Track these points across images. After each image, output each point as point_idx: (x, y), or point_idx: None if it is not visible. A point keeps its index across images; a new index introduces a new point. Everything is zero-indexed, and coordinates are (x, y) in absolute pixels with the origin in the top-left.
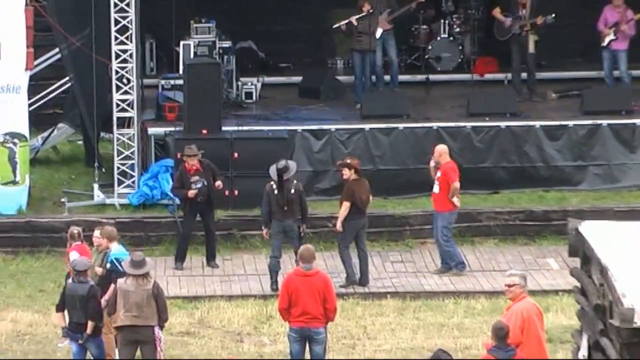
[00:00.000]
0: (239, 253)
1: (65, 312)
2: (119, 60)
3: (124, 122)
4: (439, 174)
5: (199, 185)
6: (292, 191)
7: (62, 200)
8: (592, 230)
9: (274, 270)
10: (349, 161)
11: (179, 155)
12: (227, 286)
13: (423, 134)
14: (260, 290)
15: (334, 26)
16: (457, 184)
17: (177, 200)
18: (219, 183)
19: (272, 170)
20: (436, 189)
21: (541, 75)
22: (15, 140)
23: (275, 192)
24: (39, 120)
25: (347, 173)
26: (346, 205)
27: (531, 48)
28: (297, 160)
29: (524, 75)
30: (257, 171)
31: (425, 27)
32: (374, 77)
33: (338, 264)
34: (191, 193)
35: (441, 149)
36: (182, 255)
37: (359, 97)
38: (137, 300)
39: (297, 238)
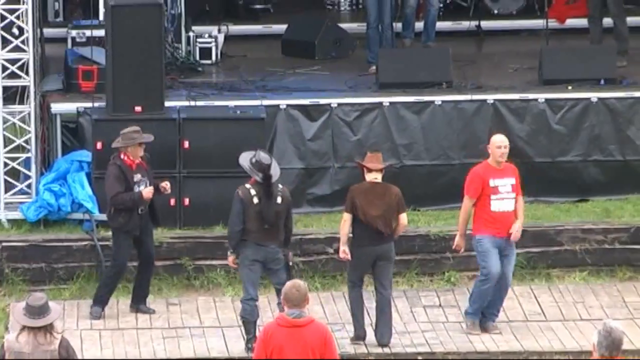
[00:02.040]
0: (192, 294)
1: None
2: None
3: (14, 95)
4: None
5: (142, 188)
6: (279, 200)
7: None
8: None
9: (249, 320)
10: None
11: (99, 146)
12: (173, 345)
13: (473, 112)
14: (224, 351)
15: None
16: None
17: (98, 213)
18: (166, 184)
19: (245, 162)
20: (510, 204)
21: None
22: None
23: (255, 200)
24: None
25: (379, 178)
26: (344, 218)
27: None
28: (281, 151)
29: (608, 21)
30: (219, 170)
31: None
32: (398, 25)
33: (343, 309)
34: (147, 192)
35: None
36: (106, 297)
37: (374, 56)
38: None
39: (282, 271)
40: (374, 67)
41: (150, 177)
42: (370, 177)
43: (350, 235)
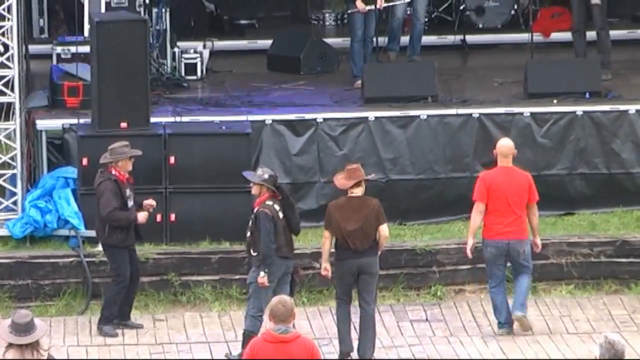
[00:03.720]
0: (178, 309)
1: None
2: None
3: (0, 111)
4: None
5: (131, 204)
6: (281, 215)
7: None
8: None
9: (255, 332)
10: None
11: (85, 162)
12: None
13: (459, 126)
14: None
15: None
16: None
17: (84, 229)
18: (150, 202)
19: (255, 176)
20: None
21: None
22: None
23: (281, 215)
24: None
25: (359, 191)
26: (324, 236)
27: None
28: (267, 166)
29: (592, 35)
30: (205, 185)
31: None
32: (383, 39)
33: (330, 324)
34: (142, 216)
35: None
36: (115, 314)
37: (359, 69)
38: None
39: (287, 285)
40: (359, 81)
41: (134, 193)
42: (348, 191)
43: (333, 250)
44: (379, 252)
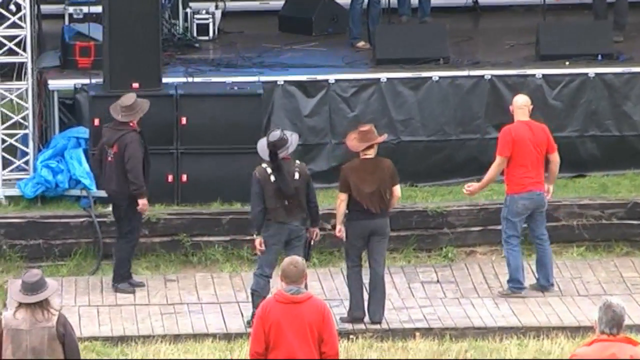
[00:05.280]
0: (189, 270)
1: None
2: None
3: (12, 71)
4: None
5: None
6: (297, 176)
7: None
8: None
9: (260, 294)
10: (365, 130)
11: (96, 122)
12: (171, 321)
13: (470, 88)
14: (222, 327)
15: None
16: (499, 159)
17: (95, 189)
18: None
19: (262, 146)
20: None
21: None
22: None
23: (273, 178)
24: None
25: (372, 153)
26: (340, 198)
27: None
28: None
29: None
30: (216, 146)
31: None
32: (393, 1)
33: (341, 285)
34: (143, 206)
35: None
36: (130, 271)
37: (358, 32)
38: (33, 344)
39: (304, 249)
40: (361, 42)
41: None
42: (361, 153)
43: (346, 211)
44: (389, 213)
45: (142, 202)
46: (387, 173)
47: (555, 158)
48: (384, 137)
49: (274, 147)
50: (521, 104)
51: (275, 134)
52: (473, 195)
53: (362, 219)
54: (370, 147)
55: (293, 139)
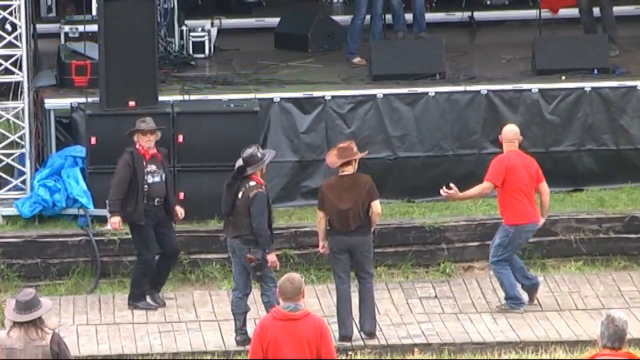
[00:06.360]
0: (188, 288)
1: None
2: None
3: (8, 91)
4: None
5: (156, 180)
6: (240, 195)
7: None
8: None
9: (236, 311)
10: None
11: (93, 141)
12: (170, 339)
13: (466, 103)
14: (220, 345)
15: None
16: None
17: (92, 208)
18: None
19: (238, 162)
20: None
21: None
22: None
23: (224, 190)
24: None
25: (349, 170)
26: (319, 215)
27: None
28: (275, 144)
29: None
30: (213, 163)
31: None
32: (388, 17)
33: None
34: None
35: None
36: (143, 290)
37: (356, 48)
38: None
39: (251, 269)
40: (357, 58)
41: (167, 173)
42: (339, 169)
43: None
44: (372, 229)
45: (110, 221)
46: (363, 189)
47: (546, 188)
48: (364, 154)
49: (244, 163)
50: (511, 137)
51: (248, 151)
52: (447, 200)
53: (341, 235)
54: (347, 164)
55: (268, 156)
